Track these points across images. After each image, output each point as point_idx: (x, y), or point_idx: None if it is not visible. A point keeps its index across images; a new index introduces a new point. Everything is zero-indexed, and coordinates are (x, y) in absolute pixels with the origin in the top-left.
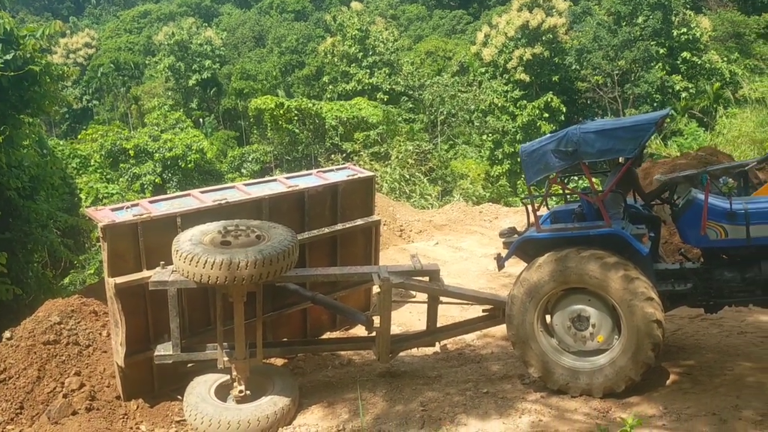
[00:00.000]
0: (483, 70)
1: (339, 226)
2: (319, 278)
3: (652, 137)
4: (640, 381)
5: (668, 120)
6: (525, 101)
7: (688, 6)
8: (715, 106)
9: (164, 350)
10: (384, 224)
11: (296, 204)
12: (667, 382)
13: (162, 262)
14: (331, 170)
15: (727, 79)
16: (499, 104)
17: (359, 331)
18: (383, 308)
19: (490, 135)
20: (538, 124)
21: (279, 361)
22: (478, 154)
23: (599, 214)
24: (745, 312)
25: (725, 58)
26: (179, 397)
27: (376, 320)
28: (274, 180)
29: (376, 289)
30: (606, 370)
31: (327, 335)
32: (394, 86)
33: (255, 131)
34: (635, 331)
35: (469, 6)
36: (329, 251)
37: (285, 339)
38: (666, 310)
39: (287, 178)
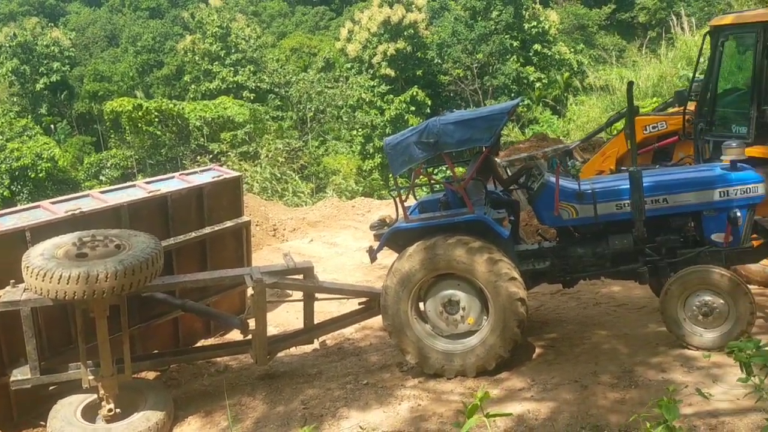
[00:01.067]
0: (349, 65)
1: (207, 230)
2: (188, 285)
3: (509, 126)
4: (509, 357)
5: (524, 109)
6: (392, 95)
7: (537, 0)
8: (565, 94)
9: (21, 374)
10: (256, 224)
11: (159, 209)
12: (534, 355)
13: (12, 281)
14: (195, 172)
15: (575, 69)
16: (367, 99)
17: (235, 335)
18: (258, 310)
19: (359, 130)
20: (405, 117)
21: (151, 375)
22: (350, 150)
23: (463, 201)
24: (598, 284)
25: (572, 49)
26: (42, 423)
27: (252, 323)
28: (133, 186)
29: (250, 291)
30: (477, 350)
31: (201, 343)
32: (259, 84)
33: (113, 135)
34: (501, 310)
35: (331, 2)
36: (198, 256)
37: (156, 351)
38: (528, 288)
39: (147, 182)
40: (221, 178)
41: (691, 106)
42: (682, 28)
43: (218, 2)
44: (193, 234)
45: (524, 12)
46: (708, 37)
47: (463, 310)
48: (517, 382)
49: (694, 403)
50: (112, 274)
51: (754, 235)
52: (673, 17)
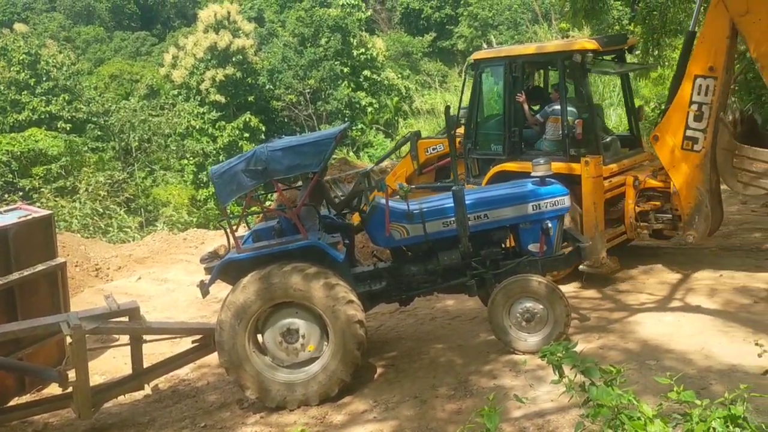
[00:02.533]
0: (175, 92)
1: (15, 275)
2: None
3: (343, 149)
4: (351, 381)
5: (358, 133)
6: (224, 122)
7: (363, 28)
8: (396, 118)
9: None
10: (75, 265)
11: None
12: (375, 376)
13: None
14: None
15: (404, 94)
16: (197, 126)
17: (55, 389)
18: (77, 359)
19: (191, 158)
20: (240, 144)
21: None
22: (181, 179)
23: (297, 228)
24: (433, 299)
25: (399, 75)
26: None
27: (72, 373)
28: None
29: (69, 339)
30: (319, 377)
31: (15, 401)
32: (75, 113)
33: None
34: (341, 334)
35: (152, 27)
36: (6, 305)
37: None
38: (367, 310)
39: None
40: (29, 217)
41: (462, 129)
42: None
43: (24, 28)
44: None
45: (352, 39)
46: (470, 69)
47: (303, 338)
48: (360, 404)
49: (523, 406)
50: None
51: (565, 243)
52: (485, 45)
